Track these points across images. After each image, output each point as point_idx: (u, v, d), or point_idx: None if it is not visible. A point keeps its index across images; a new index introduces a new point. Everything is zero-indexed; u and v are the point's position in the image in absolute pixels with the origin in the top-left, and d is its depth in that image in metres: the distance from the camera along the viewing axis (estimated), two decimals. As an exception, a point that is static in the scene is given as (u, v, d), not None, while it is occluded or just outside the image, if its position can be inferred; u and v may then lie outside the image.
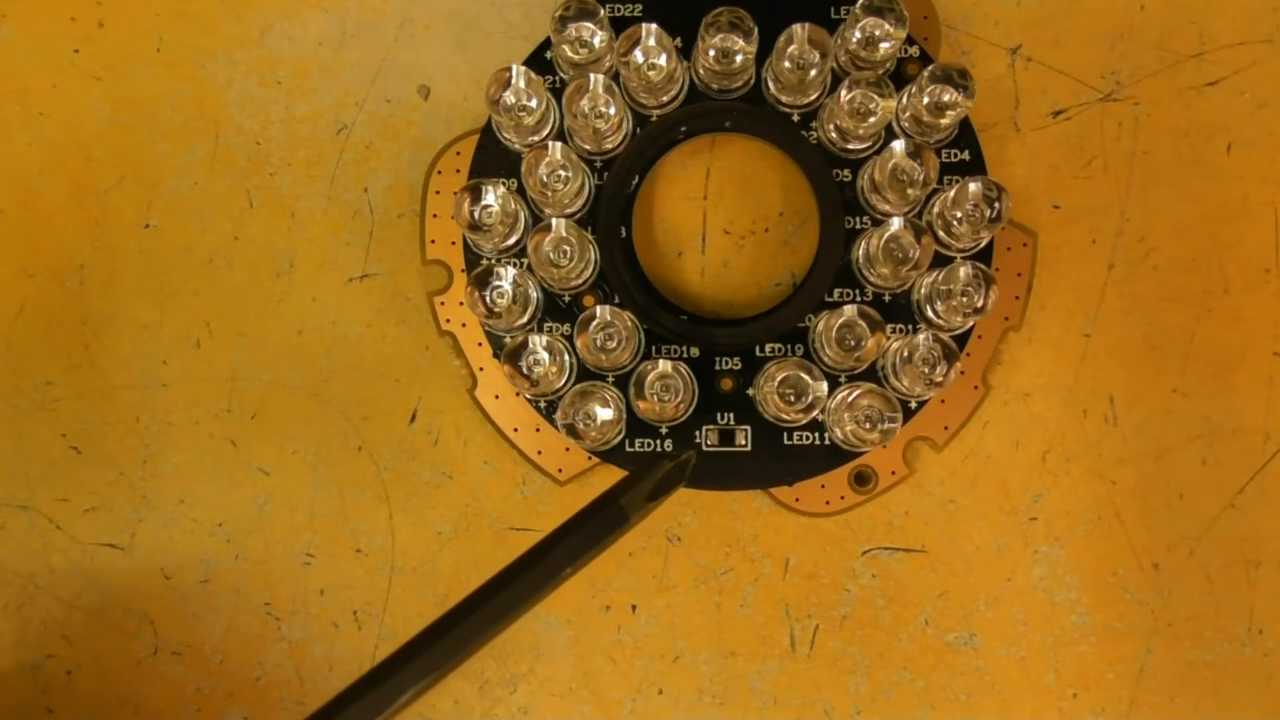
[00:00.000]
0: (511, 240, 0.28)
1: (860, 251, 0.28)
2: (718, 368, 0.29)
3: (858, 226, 0.29)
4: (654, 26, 0.27)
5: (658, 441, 0.29)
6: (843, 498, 0.29)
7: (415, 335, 0.30)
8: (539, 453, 0.29)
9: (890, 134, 0.28)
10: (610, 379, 0.28)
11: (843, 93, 0.27)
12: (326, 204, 0.30)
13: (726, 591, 0.30)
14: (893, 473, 0.29)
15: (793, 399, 0.27)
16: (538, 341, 0.27)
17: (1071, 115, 0.30)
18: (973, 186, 0.27)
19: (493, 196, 0.27)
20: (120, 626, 0.30)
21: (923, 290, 0.28)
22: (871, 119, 0.27)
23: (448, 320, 0.30)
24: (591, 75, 0.27)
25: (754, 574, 0.30)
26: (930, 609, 0.30)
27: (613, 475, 0.29)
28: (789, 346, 0.29)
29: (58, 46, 0.31)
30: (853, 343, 0.27)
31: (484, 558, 0.30)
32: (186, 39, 0.31)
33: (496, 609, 0.22)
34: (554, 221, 0.27)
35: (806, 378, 0.27)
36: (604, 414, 0.27)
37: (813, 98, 0.28)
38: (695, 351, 0.29)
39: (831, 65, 0.28)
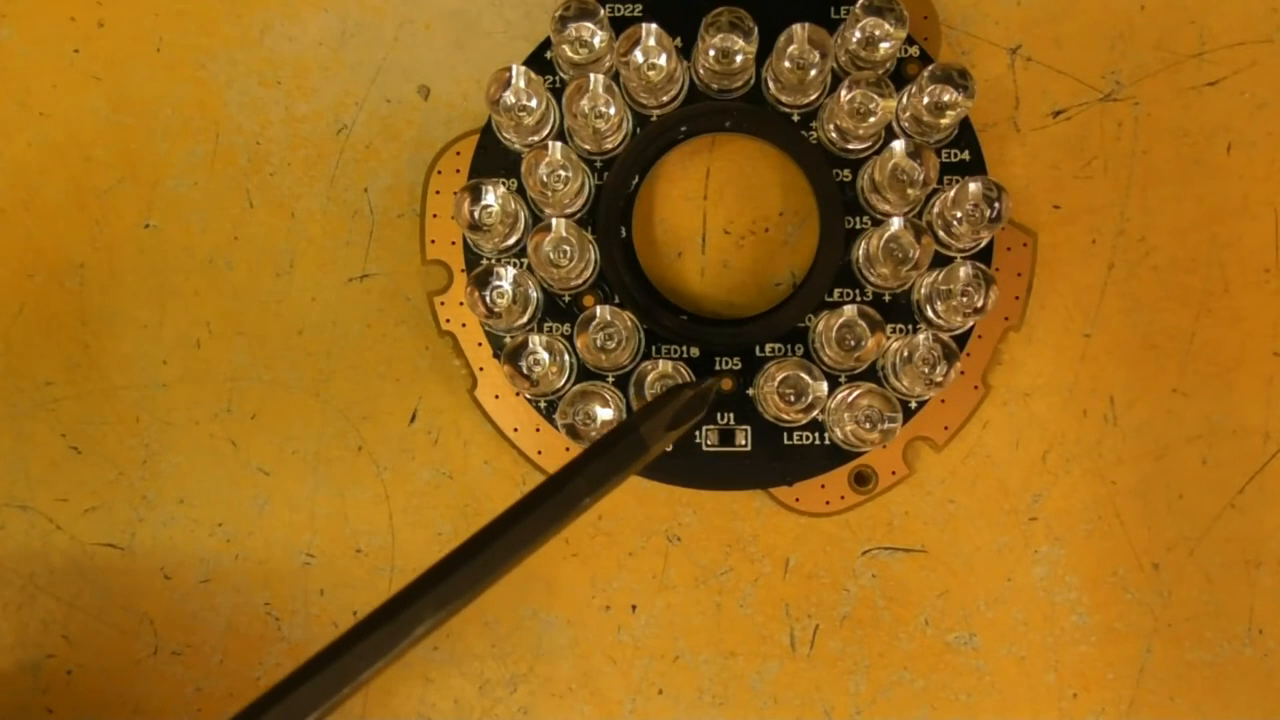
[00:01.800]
0: (511, 240, 0.28)
1: (860, 251, 0.28)
2: (718, 368, 0.29)
3: (858, 226, 0.29)
4: (654, 26, 0.27)
5: (658, 441, 0.29)
6: (843, 498, 0.29)
7: (415, 335, 0.30)
8: (539, 453, 0.29)
9: (890, 134, 0.28)
10: (610, 379, 0.28)
11: (843, 93, 0.27)
12: (326, 204, 0.30)
13: (726, 591, 0.30)
14: (893, 473, 0.29)
15: (793, 399, 0.27)
16: (538, 341, 0.27)
17: (1071, 115, 0.30)
18: (973, 186, 0.27)
19: (493, 196, 0.27)
20: (120, 626, 0.30)
21: (923, 290, 0.28)
22: (871, 119, 0.27)
23: (448, 320, 0.30)
24: (591, 75, 0.27)
25: (754, 574, 0.30)
26: (930, 609, 0.30)
27: (613, 475, 0.30)
28: (789, 346, 0.29)
29: (58, 46, 0.31)
30: (853, 343, 0.27)
31: (484, 558, 0.30)
32: (186, 39, 0.31)
33: (516, 538, 0.21)
34: (554, 221, 0.27)
35: (806, 378, 0.27)
36: (604, 414, 0.27)
37: (813, 98, 0.28)
38: (695, 351, 0.29)
39: (831, 65, 0.28)
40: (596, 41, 0.28)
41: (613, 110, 0.27)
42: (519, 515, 0.21)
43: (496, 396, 0.29)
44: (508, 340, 0.28)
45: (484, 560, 0.21)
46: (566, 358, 0.28)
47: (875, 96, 0.27)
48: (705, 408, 0.24)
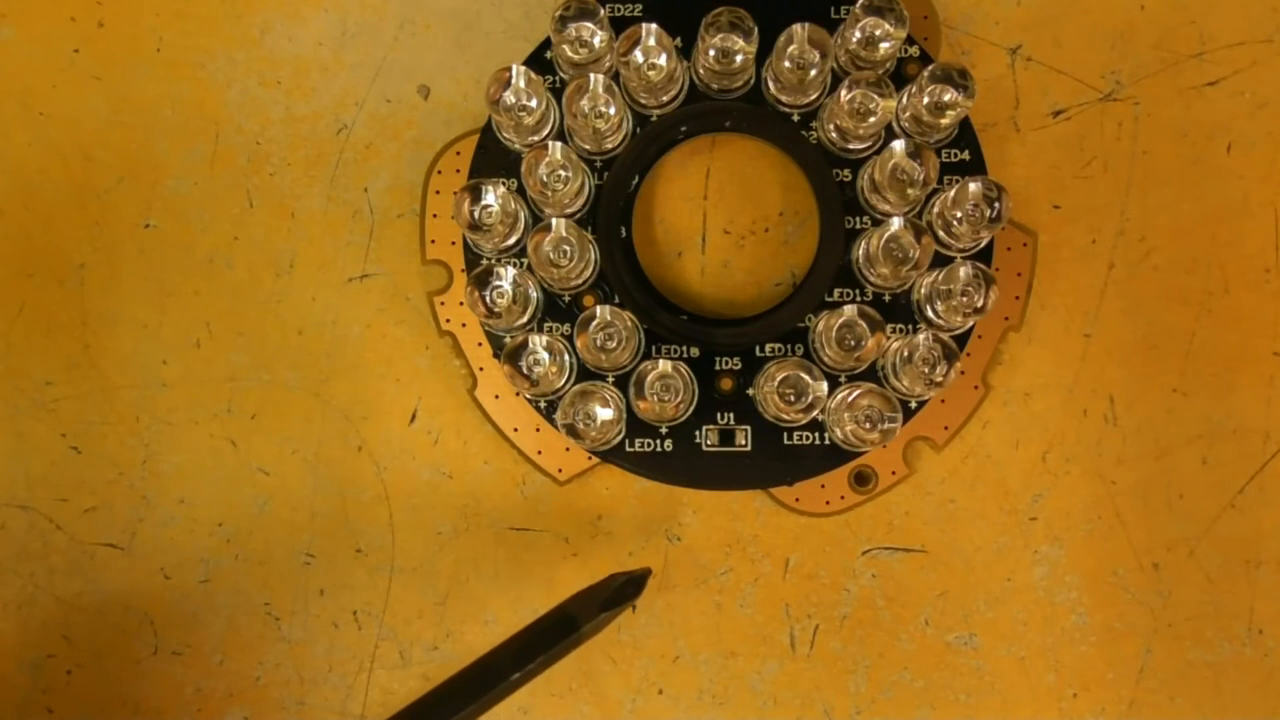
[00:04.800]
0: (511, 240, 0.28)
1: (860, 251, 0.28)
2: (718, 368, 0.29)
3: (858, 226, 0.29)
4: (654, 26, 0.27)
5: (658, 441, 0.29)
6: (843, 498, 0.29)
7: (415, 335, 0.30)
8: (539, 453, 0.29)
9: (890, 134, 0.28)
10: (610, 379, 0.28)
11: (843, 93, 0.27)
12: (326, 204, 0.30)
13: (726, 591, 0.30)
14: (893, 473, 0.29)
15: (793, 399, 0.27)
16: (538, 341, 0.27)
17: (1071, 115, 0.30)
18: (973, 186, 0.27)
19: (493, 196, 0.27)
20: (120, 626, 0.30)
21: (923, 290, 0.28)
22: (871, 119, 0.27)
23: (448, 320, 0.30)
24: (591, 75, 0.27)
25: (754, 574, 0.30)
26: (930, 609, 0.30)
27: (613, 475, 0.30)
28: (789, 346, 0.29)
29: (58, 46, 0.31)
30: (853, 343, 0.27)
31: (484, 558, 0.30)
32: (186, 39, 0.31)
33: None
34: (554, 221, 0.27)
35: (806, 378, 0.27)
36: (604, 414, 0.27)
37: (813, 98, 0.28)
38: (695, 351, 0.29)
39: (831, 65, 0.28)
40: (596, 41, 0.28)
41: (613, 110, 0.27)
42: (449, 695, 0.23)
43: (496, 396, 0.29)
44: (508, 340, 0.28)
45: None
46: (566, 358, 0.28)
47: (875, 96, 0.27)
48: (640, 593, 0.25)
